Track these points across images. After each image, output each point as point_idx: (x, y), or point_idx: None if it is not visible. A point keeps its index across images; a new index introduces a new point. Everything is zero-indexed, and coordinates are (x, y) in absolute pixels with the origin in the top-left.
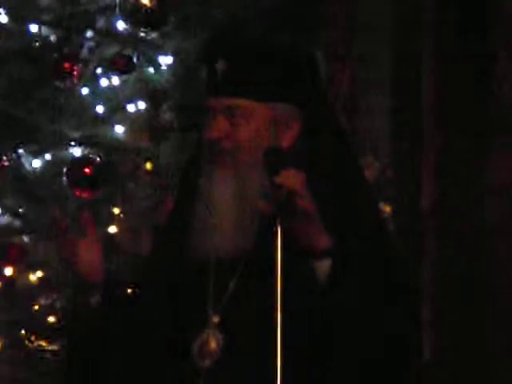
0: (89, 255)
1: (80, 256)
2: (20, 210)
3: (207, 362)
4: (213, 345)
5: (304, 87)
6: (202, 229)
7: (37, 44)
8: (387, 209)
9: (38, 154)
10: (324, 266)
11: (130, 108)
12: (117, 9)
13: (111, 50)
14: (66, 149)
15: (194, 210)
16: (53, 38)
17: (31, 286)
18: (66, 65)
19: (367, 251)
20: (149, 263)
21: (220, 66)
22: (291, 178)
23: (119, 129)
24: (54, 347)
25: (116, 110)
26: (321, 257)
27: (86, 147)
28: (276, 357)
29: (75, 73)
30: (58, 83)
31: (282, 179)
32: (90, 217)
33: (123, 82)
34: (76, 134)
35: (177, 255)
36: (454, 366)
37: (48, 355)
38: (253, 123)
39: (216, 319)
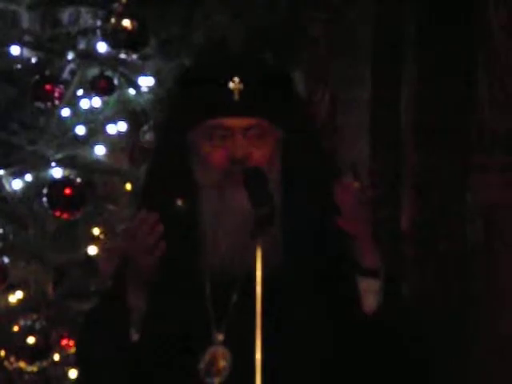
0: None
1: None
2: (0, 231)
3: (217, 380)
4: (222, 362)
5: (291, 108)
6: (210, 246)
7: (18, 66)
8: None
9: (18, 174)
10: (368, 284)
11: (111, 129)
12: (98, 31)
13: (92, 72)
14: (47, 170)
15: (199, 228)
16: (34, 59)
17: (11, 307)
18: (47, 86)
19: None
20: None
21: (236, 84)
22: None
23: (99, 150)
24: (34, 368)
25: (96, 132)
26: (366, 274)
27: (66, 168)
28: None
29: (56, 94)
30: (38, 105)
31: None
32: None
33: (104, 104)
34: (56, 155)
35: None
36: None
37: (27, 376)
38: (266, 143)
39: (220, 336)
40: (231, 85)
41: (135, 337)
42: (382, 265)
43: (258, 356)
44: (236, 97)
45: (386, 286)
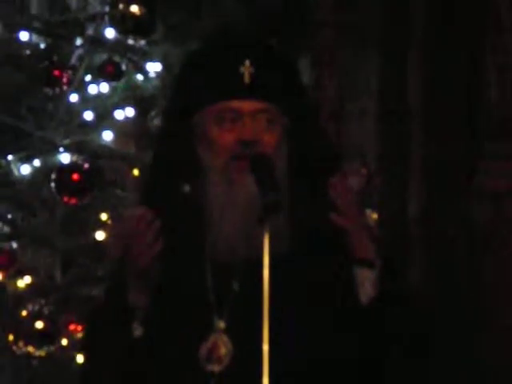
0: None
1: None
2: (9, 216)
3: (218, 367)
4: (223, 350)
5: (297, 96)
6: (215, 231)
7: (27, 51)
8: (374, 216)
9: (26, 160)
10: (364, 274)
11: (118, 115)
12: (106, 17)
13: (100, 58)
14: (55, 155)
15: (204, 212)
16: (42, 45)
17: (20, 292)
18: (56, 72)
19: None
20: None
21: (247, 67)
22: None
23: (107, 135)
24: (42, 353)
25: (104, 117)
26: (360, 264)
27: (74, 154)
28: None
29: (64, 80)
30: (47, 90)
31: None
32: None
33: (111, 89)
34: (64, 141)
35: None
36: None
37: (35, 361)
38: (275, 129)
39: (222, 324)
40: (242, 68)
41: (138, 331)
42: (378, 254)
43: (266, 347)
44: (246, 80)
45: (385, 275)
